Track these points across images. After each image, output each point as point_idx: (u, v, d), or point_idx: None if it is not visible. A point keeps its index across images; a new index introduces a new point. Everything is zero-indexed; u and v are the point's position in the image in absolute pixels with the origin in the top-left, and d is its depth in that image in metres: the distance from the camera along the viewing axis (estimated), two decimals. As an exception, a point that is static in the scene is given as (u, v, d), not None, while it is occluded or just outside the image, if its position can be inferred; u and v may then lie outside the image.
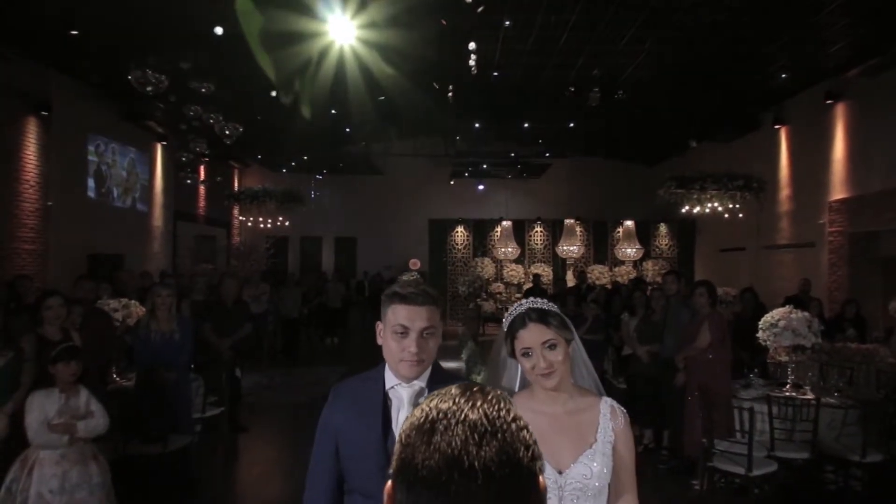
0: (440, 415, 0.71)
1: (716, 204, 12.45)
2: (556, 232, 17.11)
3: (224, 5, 7.48)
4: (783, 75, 10.75)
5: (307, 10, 6.72)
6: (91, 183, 11.84)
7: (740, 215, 12.66)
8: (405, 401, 1.77)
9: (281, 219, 17.11)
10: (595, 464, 1.73)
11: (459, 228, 17.37)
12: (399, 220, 19.35)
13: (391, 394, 1.80)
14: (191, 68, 8.58)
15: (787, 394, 5.27)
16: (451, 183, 19.07)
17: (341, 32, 7.60)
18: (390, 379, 1.80)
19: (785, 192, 12.31)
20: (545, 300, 1.88)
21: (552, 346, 1.76)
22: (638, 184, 17.70)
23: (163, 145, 14.72)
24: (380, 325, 1.81)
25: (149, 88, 7.79)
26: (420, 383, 1.77)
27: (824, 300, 9.35)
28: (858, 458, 4.83)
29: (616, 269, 16.47)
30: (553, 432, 1.74)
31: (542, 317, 1.79)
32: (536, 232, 17.29)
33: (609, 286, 13.10)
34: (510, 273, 16.60)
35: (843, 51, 9.40)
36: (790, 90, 11.50)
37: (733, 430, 5.01)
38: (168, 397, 4.94)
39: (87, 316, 5.24)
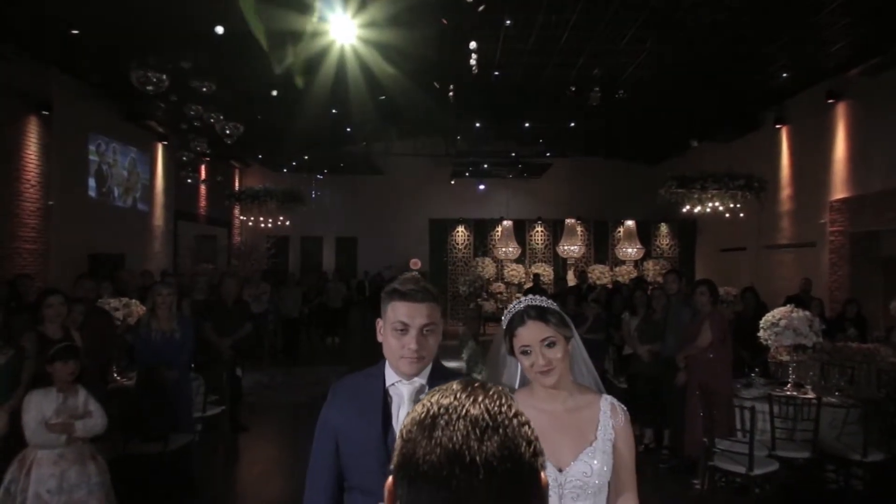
0: (441, 410, 0.71)
1: (717, 203, 12.44)
2: (556, 232, 17.10)
3: (224, 5, 7.50)
4: (784, 75, 10.75)
5: (308, 10, 6.72)
6: (92, 182, 11.85)
7: (741, 215, 12.66)
8: (405, 398, 1.77)
9: (282, 218, 17.12)
10: (595, 461, 1.73)
11: (460, 228, 17.36)
12: (400, 219, 19.35)
13: (391, 391, 1.79)
14: (191, 68, 8.59)
15: (788, 393, 5.26)
16: (452, 183, 19.07)
17: (342, 32, 7.61)
18: (390, 376, 1.80)
19: (786, 191, 12.30)
20: (544, 297, 1.87)
21: (551, 344, 1.75)
22: (639, 183, 17.68)
23: (164, 145, 14.73)
24: (380, 323, 1.80)
25: (149, 88, 7.78)
26: (420, 380, 1.77)
27: (825, 300, 9.34)
28: (860, 457, 4.83)
29: (617, 268, 16.46)
30: (553, 430, 1.74)
31: (540, 314, 1.78)
32: (537, 232, 17.29)
33: (610, 286, 13.10)
34: (511, 273, 16.59)
35: (844, 50, 9.40)
36: (791, 90, 11.49)
37: (734, 430, 5.00)
38: (169, 396, 4.93)
39: (88, 315, 5.23)
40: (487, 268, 16.61)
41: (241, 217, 18.95)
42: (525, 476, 0.68)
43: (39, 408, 3.50)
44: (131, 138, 13.21)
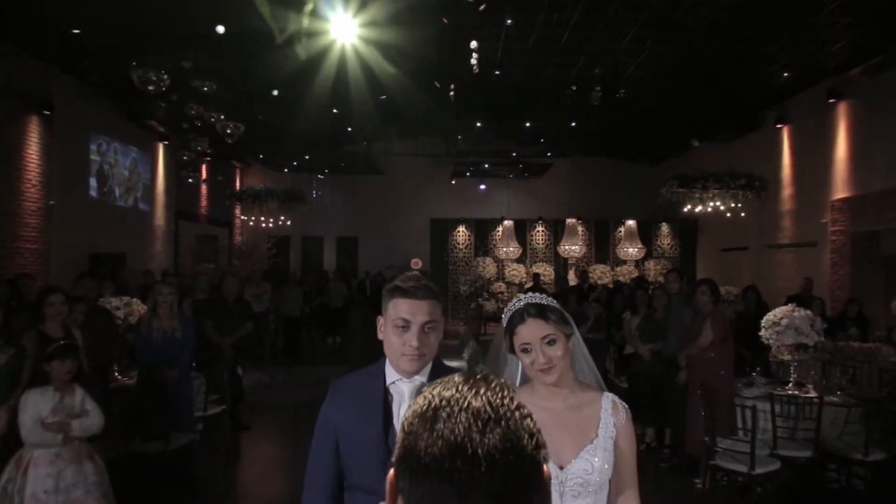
0: (443, 402, 0.70)
1: (718, 203, 12.43)
2: (557, 231, 17.09)
3: (225, 4, 7.50)
4: (785, 74, 10.74)
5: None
6: (93, 182, 11.86)
7: (742, 214, 12.64)
8: (406, 396, 1.76)
9: (282, 218, 17.13)
10: (596, 459, 1.72)
11: (461, 228, 17.36)
12: (400, 219, 19.35)
13: (392, 389, 1.79)
14: (192, 67, 8.59)
15: (790, 392, 5.25)
16: (453, 182, 19.06)
17: (343, 31, 7.60)
18: (391, 374, 1.79)
19: (787, 191, 12.29)
20: (544, 295, 1.87)
21: (551, 342, 1.74)
22: (639, 183, 17.67)
23: (164, 145, 14.74)
24: (380, 320, 1.79)
25: (151, 87, 7.78)
26: (421, 378, 1.76)
27: (826, 299, 9.33)
28: (861, 456, 4.82)
29: (618, 268, 16.44)
30: (554, 427, 1.73)
31: (540, 312, 1.77)
32: (538, 231, 17.28)
33: (611, 285, 13.09)
34: (512, 273, 16.58)
35: (845, 50, 9.39)
36: (792, 89, 11.48)
37: (735, 429, 4.99)
38: (169, 395, 4.93)
39: (90, 314, 5.23)
40: (488, 268, 16.61)
41: (242, 217, 18.96)
42: (527, 468, 0.68)
43: (36, 407, 3.46)
44: (132, 138, 13.22)
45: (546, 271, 16.46)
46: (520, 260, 16.89)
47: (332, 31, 7.56)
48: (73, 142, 11.02)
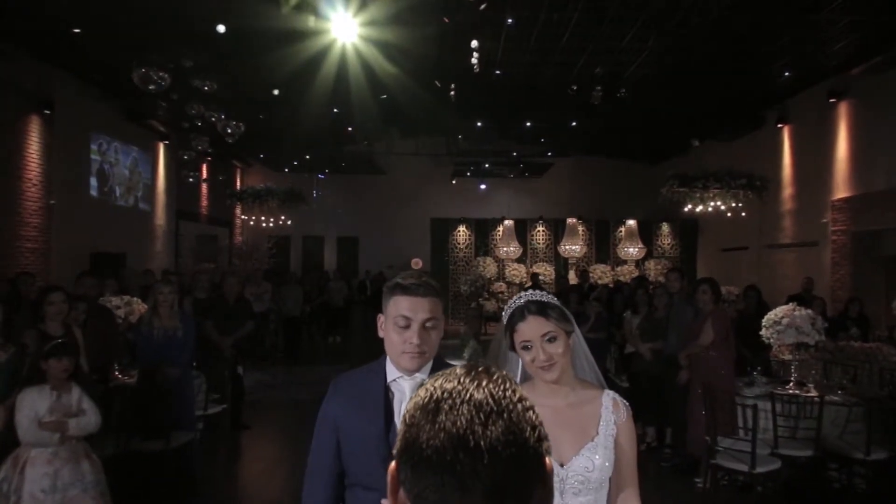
0: (445, 394, 0.70)
1: (718, 203, 12.43)
2: (558, 231, 17.08)
3: (226, 4, 7.50)
4: (786, 74, 10.73)
5: (310, 8, 6.72)
6: (94, 182, 11.86)
7: (743, 214, 12.64)
8: (407, 394, 1.75)
9: (283, 218, 17.13)
10: (597, 457, 1.72)
11: (461, 228, 17.35)
12: (401, 219, 19.35)
13: (393, 387, 1.78)
14: (193, 67, 8.59)
15: (791, 391, 5.24)
16: (453, 182, 19.07)
17: (344, 30, 7.61)
18: (392, 372, 1.78)
19: (788, 190, 12.28)
20: (544, 293, 1.86)
21: (552, 339, 1.74)
22: (640, 183, 17.67)
23: (165, 144, 14.74)
24: (381, 318, 1.78)
25: (152, 87, 7.79)
26: (422, 376, 1.75)
27: (827, 299, 9.32)
28: (862, 455, 4.81)
29: (618, 268, 16.44)
30: (554, 425, 1.72)
31: (541, 309, 1.77)
32: (538, 231, 17.27)
33: (611, 285, 13.08)
34: (512, 272, 16.58)
35: (846, 49, 9.39)
36: (793, 89, 11.48)
37: (736, 428, 4.98)
38: (170, 394, 4.92)
39: (90, 313, 5.23)
40: (489, 267, 16.61)
41: (243, 216, 18.97)
42: (530, 461, 0.67)
43: (33, 406, 3.44)
44: (133, 138, 13.22)
45: (546, 271, 16.45)
46: (520, 260, 16.89)
47: (332, 31, 7.57)
48: (73, 141, 11.02)
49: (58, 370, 3.54)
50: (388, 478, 0.72)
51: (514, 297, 1.87)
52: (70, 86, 10.63)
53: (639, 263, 16.61)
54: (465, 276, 16.14)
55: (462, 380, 0.72)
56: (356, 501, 1.77)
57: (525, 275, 16.38)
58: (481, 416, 0.67)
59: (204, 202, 17.40)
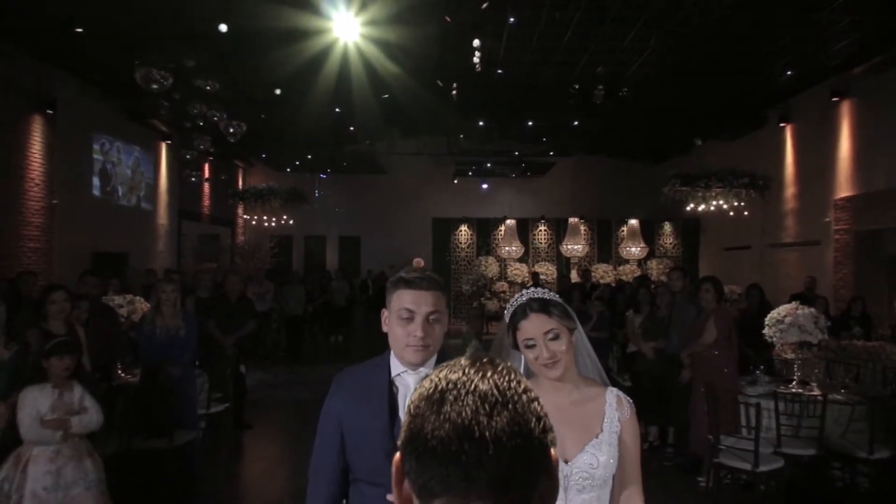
0: (450, 385, 0.70)
1: (721, 202, 12.40)
2: (560, 231, 17.07)
3: (227, 4, 7.51)
4: (788, 73, 10.72)
5: (312, 7, 6.72)
6: (96, 181, 11.87)
7: (745, 213, 12.61)
8: (412, 388, 1.75)
9: (285, 218, 17.12)
10: (601, 454, 1.72)
11: (463, 227, 17.35)
12: (402, 218, 19.34)
13: (397, 381, 1.78)
14: (195, 66, 8.60)
15: (794, 390, 5.24)
16: (455, 182, 19.05)
17: (345, 29, 7.61)
18: (396, 366, 1.78)
19: (790, 189, 12.27)
20: (547, 290, 1.86)
21: (555, 337, 1.74)
22: (642, 182, 17.64)
23: (167, 144, 14.75)
24: (385, 313, 1.79)
25: (154, 86, 7.79)
26: (426, 370, 1.75)
27: (830, 298, 9.30)
28: (865, 454, 4.81)
29: (620, 268, 16.42)
30: (558, 423, 1.69)
31: (543, 307, 1.76)
32: (540, 231, 17.26)
33: (613, 284, 13.07)
34: (514, 272, 16.57)
35: (849, 48, 9.37)
36: (795, 88, 11.46)
37: (739, 427, 4.98)
38: (172, 393, 4.93)
39: (93, 312, 5.24)
40: (490, 267, 16.60)
41: (245, 216, 18.98)
42: (535, 451, 0.67)
43: (34, 404, 3.44)
44: (135, 137, 13.23)
45: (548, 271, 16.44)
46: (522, 259, 16.88)
47: (334, 30, 7.57)
48: (75, 141, 11.03)
49: (59, 368, 3.54)
50: (393, 469, 0.72)
51: (517, 295, 1.87)
52: (71, 86, 10.63)
53: (641, 263, 16.59)
54: (466, 276, 16.14)
55: (467, 371, 0.71)
56: (361, 497, 1.76)
57: (527, 274, 16.37)
58: (486, 406, 0.67)
59: (206, 202, 17.41)
